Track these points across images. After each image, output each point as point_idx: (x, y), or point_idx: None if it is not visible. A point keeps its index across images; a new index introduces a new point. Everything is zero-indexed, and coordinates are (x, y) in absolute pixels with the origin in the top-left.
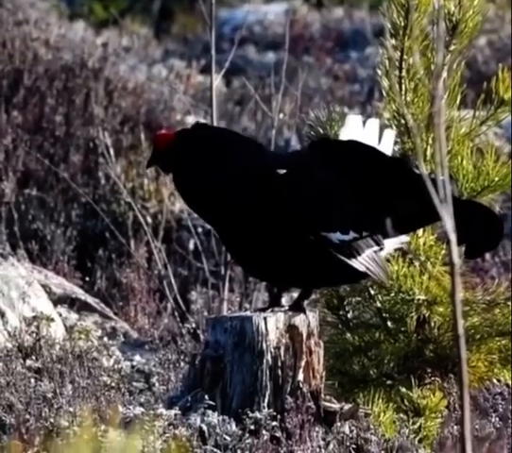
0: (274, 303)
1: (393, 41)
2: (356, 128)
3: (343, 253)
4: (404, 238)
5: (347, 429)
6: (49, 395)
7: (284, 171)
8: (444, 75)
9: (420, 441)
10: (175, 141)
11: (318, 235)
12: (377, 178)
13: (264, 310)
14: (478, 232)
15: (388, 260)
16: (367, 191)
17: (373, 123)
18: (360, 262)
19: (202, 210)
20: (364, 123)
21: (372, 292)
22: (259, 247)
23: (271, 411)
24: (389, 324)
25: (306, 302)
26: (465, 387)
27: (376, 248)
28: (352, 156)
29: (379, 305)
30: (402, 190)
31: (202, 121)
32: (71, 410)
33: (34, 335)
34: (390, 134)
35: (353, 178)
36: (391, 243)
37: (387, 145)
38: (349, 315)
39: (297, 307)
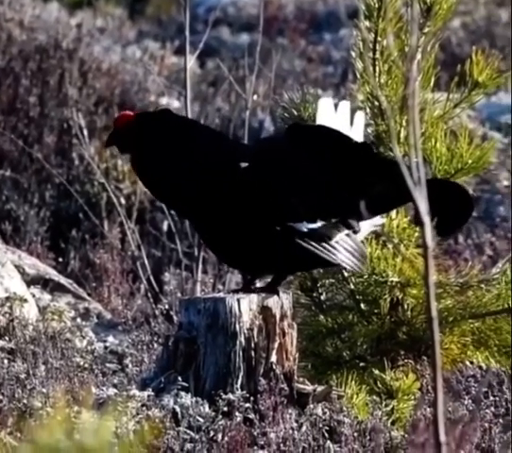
0: (248, 285)
1: (367, 23)
2: (328, 112)
3: (312, 240)
4: (379, 220)
5: (320, 411)
6: (22, 376)
7: (246, 164)
8: (418, 57)
9: (393, 423)
10: (134, 122)
11: (285, 226)
12: (345, 163)
13: (237, 291)
14: (448, 209)
15: (362, 243)
16: (337, 176)
17: (345, 105)
18: (330, 249)
19: (158, 196)
20: (336, 106)
21: (346, 274)
22: (224, 236)
23: (244, 392)
24: (362, 306)
25: (279, 284)
26: (438, 369)
27: (348, 232)
28: (321, 141)
29: (352, 287)
30: (372, 173)
31: (167, 106)
32: (44, 391)
33: (7, 316)
34: (361, 116)
35: (322, 164)
36: (366, 226)
37: (359, 128)
38: (323, 297)
39: (270, 288)
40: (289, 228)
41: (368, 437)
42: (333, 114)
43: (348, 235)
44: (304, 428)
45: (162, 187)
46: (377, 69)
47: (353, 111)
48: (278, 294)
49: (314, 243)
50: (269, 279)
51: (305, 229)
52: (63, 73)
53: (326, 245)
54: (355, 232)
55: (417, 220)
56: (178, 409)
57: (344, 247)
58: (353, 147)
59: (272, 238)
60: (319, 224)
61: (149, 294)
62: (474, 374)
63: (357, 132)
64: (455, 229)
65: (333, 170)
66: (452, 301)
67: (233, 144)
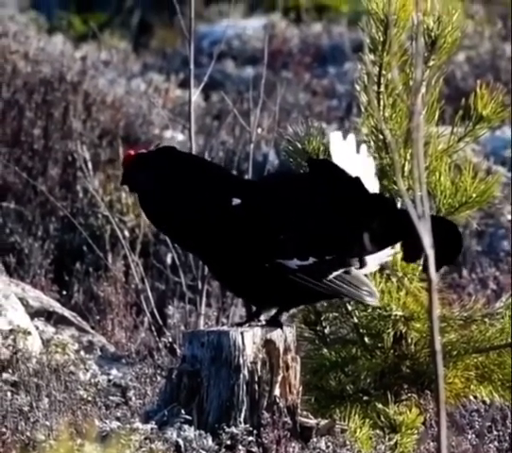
0: (251, 318)
1: (372, 57)
2: (341, 144)
3: (306, 276)
4: (387, 255)
5: (323, 445)
6: (25, 409)
7: (239, 201)
8: (422, 90)
9: None
10: (134, 162)
11: (274, 263)
12: (343, 199)
13: (241, 324)
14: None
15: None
16: (336, 213)
17: (352, 138)
18: (327, 284)
19: (160, 230)
20: (345, 137)
21: (349, 307)
22: (222, 269)
23: (248, 426)
24: (366, 339)
25: (283, 317)
26: (441, 403)
27: (346, 269)
28: (322, 177)
29: (356, 320)
30: (368, 210)
31: (167, 144)
32: (47, 423)
33: (11, 348)
34: (365, 149)
35: (321, 201)
36: (374, 261)
37: (368, 160)
38: (326, 331)
39: (273, 322)
40: (279, 265)
41: None
42: (346, 148)
43: (346, 272)
44: None
45: (163, 222)
46: (381, 102)
47: (359, 144)
48: (281, 328)
49: (308, 278)
50: (273, 312)
51: (295, 267)
52: (68, 105)
53: (321, 282)
54: (360, 267)
55: (407, 256)
56: (181, 442)
57: (341, 283)
58: (350, 183)
59: (264, 274)
60: (310, 261)
61: (153, 327)
62: (478, 408)
63: (368, 164)
64: (443, 265)
65: (334, 207)
66: (455, 335)
67: (233, 180)
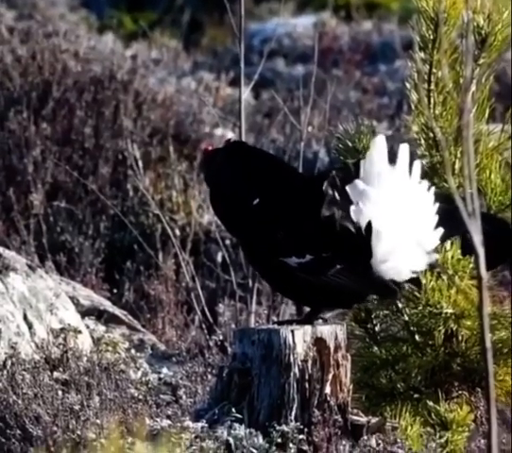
0: (307, 317)
1: (422, 55)
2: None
3: (307, 274)
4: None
5: (374, 443)
6: (76, 407)
7: (258, 200)
8: (473, 88)
9: None
10: (207, 159)
11: (278, 261)
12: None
13: (281, 323)
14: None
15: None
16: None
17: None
18: (330, 281)
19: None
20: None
21: (400, 305)
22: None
23: (298, 424)
24: (417, 337)
25: (318, 317)
26: (492, 401)
27: (349, 265)
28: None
29: (406, 318)
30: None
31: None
32: (98, 422)
33: (61, 347)
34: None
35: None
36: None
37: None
38: (377, 328)
39: (305, 320)
40: (282, 263)
41: None
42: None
43: (344, 269)
44: None
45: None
46: (432, 100)
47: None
48: (312, 325)
49: (308, 276)
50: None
51: (294, 264)
52: (118, 104)
53: (321, 279)
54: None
55: (465, 251)
56: (231, 440)
57: (348, 280)
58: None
59: (276, 272)
60: (308, 258)
61: (203, 326)
62: None
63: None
64: (497, 264)
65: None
66: (506, 333)
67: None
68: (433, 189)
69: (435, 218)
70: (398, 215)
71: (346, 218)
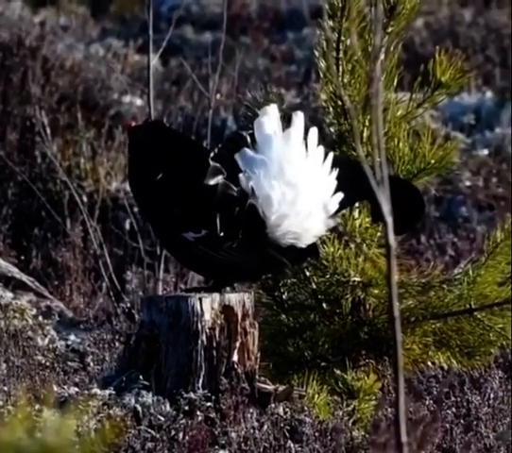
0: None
1: (331, 23)
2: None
3: (205, 247)
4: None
5: (281, 411)
6: None
7: (160, 176)
8: (381, 56)
9: (354, 423)
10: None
11: (179, 236)
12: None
13: (189, 290)
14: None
15: (324, 242)
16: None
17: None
18: (227, 255)
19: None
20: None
21: (308, 273)
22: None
23: (206, 391)
24: (324, 305)
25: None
26: (399, 369)
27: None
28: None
29: (314, 286)
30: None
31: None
32: (5, 389)
33: None
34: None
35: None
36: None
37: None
38: (285, 296)
39: (213, 288)
40: (182, 238)
41: (330, 437)
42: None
43: (242, 243)
44: (265, 428)
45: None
46: (340, 68)
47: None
48: (220, 293)
49: (207, 250)
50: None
51: (192, 239)
52: (26, 70)
53: (219, 253)
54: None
55: (375, 218)
56: (139, 407)
57: (247, 254)
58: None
59: (177, 246)
60: (203, 233)
61: (111, 293)
62: (436, 374)
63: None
64: (406, 228)
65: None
66: (413, 301)
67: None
68: (331, 155)
69: (334, 183)
70: (289, 180)
71: (228, 186)
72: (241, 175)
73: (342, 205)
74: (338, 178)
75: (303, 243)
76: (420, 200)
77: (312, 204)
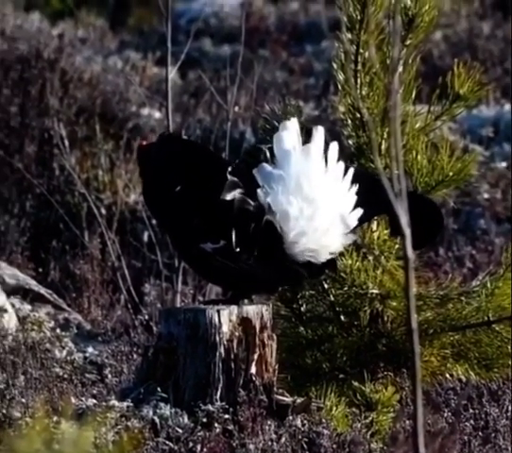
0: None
1: (349, 35)
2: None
3: (223, 258)
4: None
5: (299, 423)
6: (1, 386)
7: (179, 188)
8: (400, 69)
9: (372, 435)
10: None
11: (198, 247)
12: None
13: (208, 303)
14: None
15: (342, 254)
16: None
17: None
18: (246, 266)
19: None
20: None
21: (326, 285)
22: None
23: (224, 403)
24: (342, 318)
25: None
26: (417, 381)
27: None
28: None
29: (332, 299)
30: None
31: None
32: (23, 401)
33: None
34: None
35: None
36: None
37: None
38: (303, 309)
39: (231, 300)
40: (200, 249)
41: (347, 449)
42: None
43: (260, 255)
44: (283, 440)
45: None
46: (358, 81)
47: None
48: (238, 305)
49: (225, 261)
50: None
51: (210, 250)
52: (45, 83)
53: (237, 264)
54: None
55: (393, 231)
56: (157, 419)
57: (255, 267)
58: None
59: (196, 257)
60: (221, 243)
61: (129, 305)
62: (454, 386)
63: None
64: (425, 244)
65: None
66: (432, 313)
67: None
68: (351, 170)
69: (354, 198)
70: (307, 196)
71: (245, 201)
72: (259, 190)
73: (361, 220)
74: (358, 193)
75: (321, 260)
76: (439, 215)
77: (330, 220)
